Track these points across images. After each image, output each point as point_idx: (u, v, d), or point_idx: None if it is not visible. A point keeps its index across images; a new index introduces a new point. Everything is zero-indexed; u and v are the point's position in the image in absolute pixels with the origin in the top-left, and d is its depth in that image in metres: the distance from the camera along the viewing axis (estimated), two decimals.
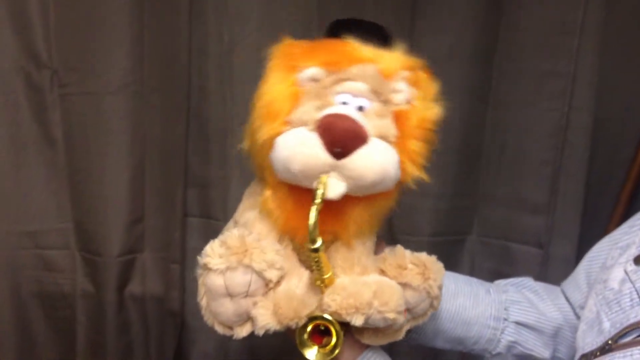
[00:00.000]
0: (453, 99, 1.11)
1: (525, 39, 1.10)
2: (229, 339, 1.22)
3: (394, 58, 0.65)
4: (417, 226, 1.18)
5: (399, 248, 0.68)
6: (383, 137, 0.60)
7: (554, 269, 1.12)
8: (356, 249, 0.66)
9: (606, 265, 0.69)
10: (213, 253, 0.61)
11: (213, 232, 0.64)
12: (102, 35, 1.10)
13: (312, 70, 0.63)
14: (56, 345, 1.28)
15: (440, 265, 0.68)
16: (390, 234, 1.17)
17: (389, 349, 0.71)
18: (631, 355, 0.55)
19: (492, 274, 0.86)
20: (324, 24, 1.07)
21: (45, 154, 1.18)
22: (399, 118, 0.63)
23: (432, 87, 0.66)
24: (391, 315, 0.61)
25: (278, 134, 0.61)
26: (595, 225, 1.11)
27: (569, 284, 0.83)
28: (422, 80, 0.65)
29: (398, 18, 1.09)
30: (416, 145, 0.63)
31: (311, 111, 0.60)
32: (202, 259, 0.62)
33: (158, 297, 1.26)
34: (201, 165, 1.20)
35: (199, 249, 0.64)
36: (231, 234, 0.62)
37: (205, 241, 0.64)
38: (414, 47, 1.07)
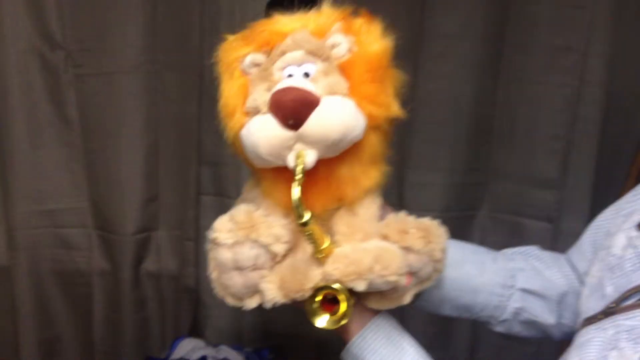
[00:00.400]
0: (465, 75, 1.12)
1: (537, 13, 1.09)
2: (243, 314, 1.26)
3: (322, 15, 0.65)
4: (427, 201, 1.18)
5: (402, 214, 0.69)
6: (335, 93, 0.61)
7: (564, 243, 1.10)
8: (359, 214, 0.67)
9: (610, 232, 0.70)
10: (222, 228, 0.63)
11: (226, 209, 0.66)
12: (115, 16, 1.12)
13: (251, 57, 0.65)
14: (74, 321, 1.31)
15: (442, 230, 0.69)
16: (400, 209, 1.17)
17: (400, 317, 0.72)
18: (633, 317, 0.56)
19: (502, 249, 0.87)
20: None
21: (61, 134, 1.20)
22: (345, 69, 0.63)
23: (371, 27, 0.65)
24: (393, 278, 0.62)
25: (241, 128, 0.63)
26: (605, 200, 1.10)
27: (574, 251, 0.84)
28: (357, 25, 0.65)
29: None
30: (370, 87, 0.63)
31: (261, 95, 0.62)
32: (211, 234, 0.64)
33: (173, 274, 1.28)
34: (214, 144, 1.21)
35: None
36: (239, 209, 0.64)
37: None
38: (425, 24, 1.09)
